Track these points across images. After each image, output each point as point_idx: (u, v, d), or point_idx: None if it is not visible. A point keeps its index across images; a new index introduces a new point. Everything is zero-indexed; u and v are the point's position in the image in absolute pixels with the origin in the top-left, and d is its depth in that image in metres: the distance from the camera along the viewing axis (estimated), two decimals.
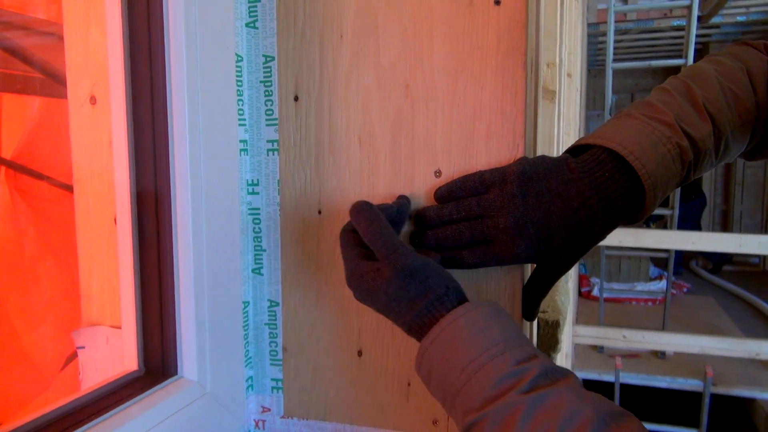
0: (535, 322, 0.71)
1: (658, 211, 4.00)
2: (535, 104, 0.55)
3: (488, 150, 0.50)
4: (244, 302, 0.58)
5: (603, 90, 3.35)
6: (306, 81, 0.54)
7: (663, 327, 3.67)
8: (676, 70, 3.57)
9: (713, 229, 7.26)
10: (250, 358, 0.59)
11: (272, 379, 0.59)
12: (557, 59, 1.01)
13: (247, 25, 0.55)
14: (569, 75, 1.67)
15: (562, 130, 1.19)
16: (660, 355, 3.82)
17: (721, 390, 3.36)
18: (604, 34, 4.67)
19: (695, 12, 2.87)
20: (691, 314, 4.80)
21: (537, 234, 0.46)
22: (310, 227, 0.56)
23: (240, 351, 0.55)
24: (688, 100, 0.50)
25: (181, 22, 0.45)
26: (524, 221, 0.46)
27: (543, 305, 0.77)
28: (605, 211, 0.46)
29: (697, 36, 6.31)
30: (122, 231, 0.48)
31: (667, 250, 3.62)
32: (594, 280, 5.26)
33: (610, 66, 3.13)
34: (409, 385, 0.54)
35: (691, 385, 3.23)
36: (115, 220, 0.62)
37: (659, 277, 5.50)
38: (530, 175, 0.47)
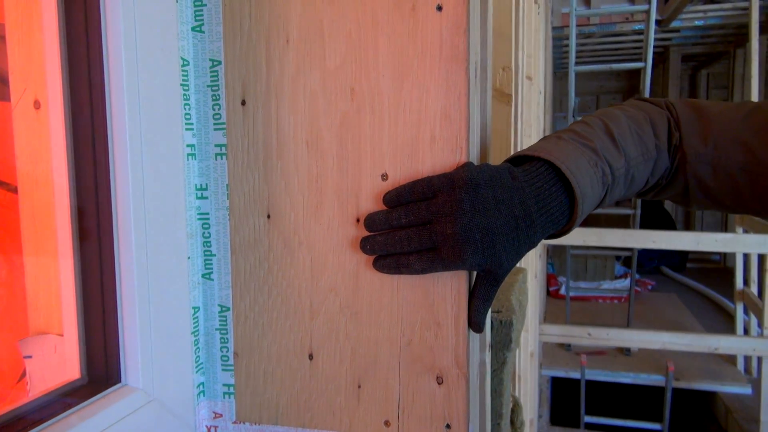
0: (488, 321, 0.72)
1: (621, 211, 4.09)
2: (482, 109, 0.56)
3: (433, 154, 0.50)
4: (194, 308, 0.57)
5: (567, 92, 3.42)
6: (253, 85, 0.54)
7: (627, 324, 3.75)
8: (636, 72, 3.67)
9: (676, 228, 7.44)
10: (201, 363, 0.58)
11: (224, 385, 0.59)
12: (513, 63, 1.03)
13: (192, 29, 0.55)
14: (529, 78, 1.69)
15: (521, 132, 1.21)
16: (625, 352, 3.90)
17: (683, 384, 3.45)
18: (569, 37, 4.76)
19: (653, 17, 2.95)
20: (655, 311, 4.92)
21: (482, 240, 0.47)
22: (260, 231, 0.56)
23: (189, 357, 0.54)
24: (606, 133, 0.56)
25: (119, 25, 0.45)
26: (471, 227, 0.47)
27: (497, 305, 0.78)
28: (542, 219, 0.48)
29: (657, 40, 6.49)
30: (62, 237, 0.47)
31: (630, 249, 3.71)
32: (562, 279, 5.35)
33: (573, 69, 3.20)
34: (359, 387, 0.55)
35: (653, 381, 3.30)
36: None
37: (624, 275, 5.62)
38: (477, 181, 0.48)
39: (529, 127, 1.74)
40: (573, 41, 3.25)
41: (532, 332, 2.31)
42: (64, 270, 0.47)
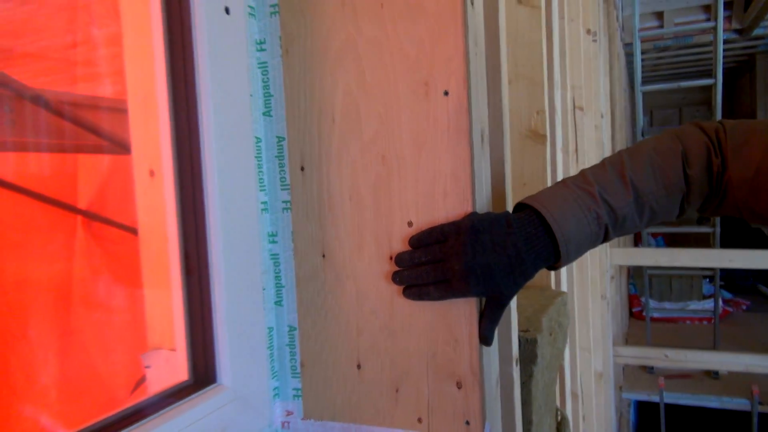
0: (516, 340, 0.84)
1: (701, 229, 3.97)
2: (497, 162, 0.70)
3: (446, 205, 0.64)
4: (269, 327, 0.74)
5: (650, 106, 3.41)
6: (309, 155, 0.71)
7: (714, 346, 3.62)
8: (708, 88, 3.59)
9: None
10: (276, 371, 0.75)
11: (293, 389, 0.74)
12: (546, 105, 1.15)
13: (263, 114, 0.73)
14: (580, 108, 1.78)
15: (560, 165, 1.31)
16: (713, 375, 3.75)
17: None
18: (644, 52, 4.70)
19: (720, 33, 2.91)
20: (748, 332, 4.67)
21: (483, 274, 0.60)
22: (317, 267, 0.71)
23: (266, 366, 0.71)
24: (616, 172, 0.65)
25: (212, 115, 0.62)
26: (472, 264, 0.60)
27: (525, 325, 0.90)
28: (531, 257, 0.60)
29: (741, 49, 6.23)
30: (173, 274, 0.65)
31: (712, 269, 3.59)
32: (644, 300, 5.20)
33: (639, 89, 3.20)
34: (397, 391, 0.69)
35: (738, 404, 3.17)
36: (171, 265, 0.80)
37: (713, 295, 5.37)
38: (477, 228, 0.61)
39: (583, 155, 1.83)
40: (638, 61, 3.26)
41: (600, 354, 2.33)
42: (176, 298, 0.65)
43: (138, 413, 0.60)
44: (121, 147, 1.56)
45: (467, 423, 0.66)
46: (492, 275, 0.60)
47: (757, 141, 0.63)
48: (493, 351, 0.72)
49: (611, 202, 0.63)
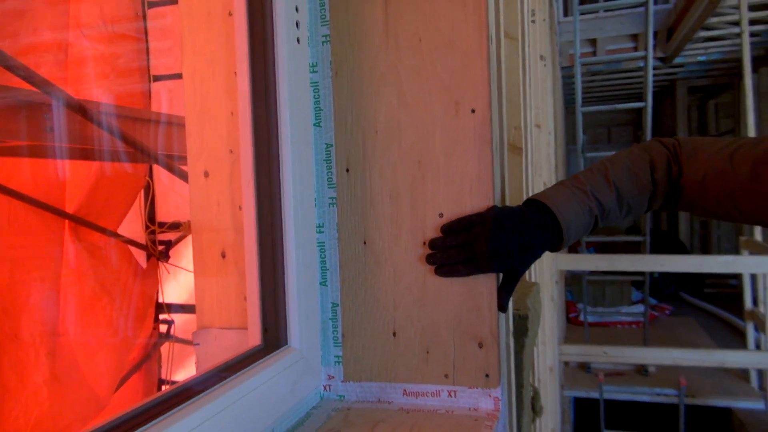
0: (511, 316, 1.01)
1: (632, 238, 4.33)
2: (502, 171, 0.87)
3: (472, 201, 0.80)
4: None
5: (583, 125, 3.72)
6: (354, 159, 0.85)
7: (645, 344, 3.96)
8: (639, 111, 4.00)
9: (694, 254, 7.59)
10: (321, 341, 0.88)
11: (335, 356, 0.88)
12: (522, 123, 1.34)
13: (314, 125, 0.87)
14: (538, 126, 2.00)
15: (531, 175, 1.51)
16: (643, 372, 4.10)
17: (699, 401, 3.64)
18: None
19: (650, 62, 3.26)
20: (672, 334, 5.10)
21: (503, 254, 0.77)
22: (359, 252, 0.86)
23: (318, 334, 0.84)
24: (602, 176, 0.83)
25: (288, 127, 0.76)
26: (495, 247, 0.76)
27: (516, 305, 1.07)
28: (540, 240, 0.78)
29: (664, 75, 6.78)
30: (249, 260, 0.78)
31: (643, 274, 3.94)
32: (581, 305, 5.56)
33: (580, 110, 3.51)
34: (427, 353, 0.84)
35: (668, 395, 3.50)
36: (222, 254, 0.93)
37: (642, 301, 5.82)
38: (500, 217, 0.77)
39: (540, 167, 2.05)
40: (579, 85, 3.58)
41: (550, 350, 2.56)
42: (251, 279, 0.78)
43: (225, 371, 0.72)
44: (141, 151, 1.64)
45: (486, 376, 0.82)
46: (511, 255, 0.77)
47: (703, 153, 0.83)
48: (501, 317, 0.88)
49: (600, 198, 0.81)
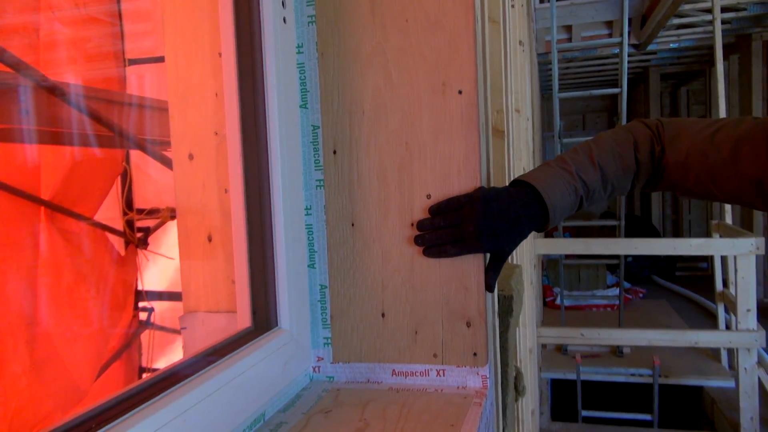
0: (496, 296, 1.02)
1: (606, 222, 4.41)
2: (488, 152, 0.87)
3: (459, 181, 0.81)
4: None
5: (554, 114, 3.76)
6: (341, 141, 0.85)
7: (619, 326, 4.04)
8: (613, 98, 4.05)
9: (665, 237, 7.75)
10: (310, 323, 0.88)
11: (324, 338, 0.88)
12: (504, 106, 1.35)
13: (300, 106, 0.86)
14: (517, 110, 2.02)
15: (512, 159, 1.52)
16: (618, 353, 4.19)
17: (672, 381, 3.74)
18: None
19: (626, 48, 3.30)
20: (646, 317, 5.21)
21: (491, 234, 0.77)
22: (347, 234, 0.86)
23: (308, 316, 0.84)
24: (587, 156, 0.84)
25: (275, 108, 0.75)
26: (483, 227, 0.77)
27: (500, 286, 1.09)
28: (527, 220, 0.78)
29: (637, 62, 6.87)
30: (238, 242, 0.77)
31: (618, 257, 4.02)
32: (556, 289, 5.65)
33: (556, 96, 3.54)
34: (416, 333, 0.84)
35: (643, 375, 3.59)
36: (209, 238, 0.92)
37: (616, 284, 5.94)
38: (487, 198, 0.78)
39: (519, 151, 2.06)
40: (555, 71, 3.61)
41: (530, 332, 2.60)
42: (239, 261, 0.77)
43: (215, 353, 0.72)
44: (122, 135, 1.60)
45: (474, 354, 0.83)
46: (498, 235, 0.78)
47: (685, 133, 0.85)
48: (488, 297, 0.89)
49: (585, 178, 0.82)
